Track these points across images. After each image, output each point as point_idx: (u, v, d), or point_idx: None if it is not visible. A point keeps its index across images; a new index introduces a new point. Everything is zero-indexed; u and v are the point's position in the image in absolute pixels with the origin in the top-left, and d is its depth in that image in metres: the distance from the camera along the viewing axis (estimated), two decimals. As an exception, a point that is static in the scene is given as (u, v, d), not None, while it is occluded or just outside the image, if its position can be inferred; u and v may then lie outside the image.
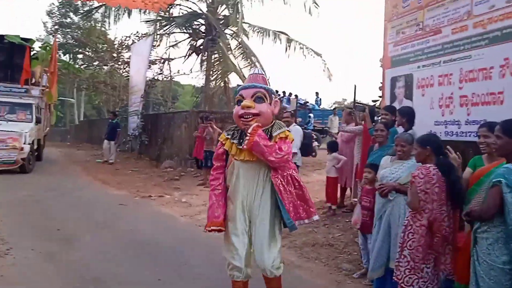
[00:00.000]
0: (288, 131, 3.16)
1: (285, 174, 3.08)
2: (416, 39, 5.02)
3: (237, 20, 15.86)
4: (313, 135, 15.95)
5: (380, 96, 6.59)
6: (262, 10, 18.47)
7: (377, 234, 3.68)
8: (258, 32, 16.79)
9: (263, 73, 3.30)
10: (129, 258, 4.68)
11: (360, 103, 7.52)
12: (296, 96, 19.42)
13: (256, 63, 15.87)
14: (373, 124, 5.46)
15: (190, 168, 11.42)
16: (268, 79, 3.33)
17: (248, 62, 16.24)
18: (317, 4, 15.96)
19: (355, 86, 7.77)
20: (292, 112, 7.12)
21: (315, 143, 15.44)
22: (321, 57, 16.57)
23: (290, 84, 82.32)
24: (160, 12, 15.09)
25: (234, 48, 16.90)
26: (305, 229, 5.96)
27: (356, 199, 4.26)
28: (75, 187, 9.36)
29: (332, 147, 6.98)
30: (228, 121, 11.64)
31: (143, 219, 6.66)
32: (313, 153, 14.78)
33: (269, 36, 16.52)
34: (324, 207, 7.04)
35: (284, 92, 20.45)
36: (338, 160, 6.73)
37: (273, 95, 3.21)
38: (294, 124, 6.74)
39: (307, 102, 19.82)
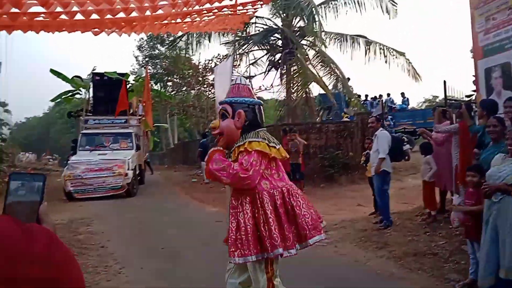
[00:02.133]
0: (258, 142, 2.73)
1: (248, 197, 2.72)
2: (509, 23, 4.60)
3: (314, 30, 15.86)
4: (404, 137, 15.24)
5: (474, 90, 6.11)
6: (337, 16, 18.07)
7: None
8: (335, 38, 16.61)
9: (245, 82, 3.05)
10: (229, 273, 4.85)
11: (453, 99, 7.03)
12: (381, 95, 18.80)
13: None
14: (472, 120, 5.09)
15: (280, 181, 11.52)
16: (250, 86, 3.08)
17: (328, 70, 16.10)
18: (394, 2, 15.38)
19: (444, 82, 7.30)
20: (377, 116, 6.85)
21: (407, 146, 14.72)
22: (404, 56, 15.85)
23: (373, 87, 79.68)
24: (237, 32, 15.66)
25: (312, 58, 16.88)
26: (405, 238, 5.70)
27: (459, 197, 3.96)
28: (175, 207, 9.97)
29: (426, 149, 6.59)
30: (312, 131, 11.61)
31: (238, 234, 6.85)
32: (406, 157, 14.09)
33: (346, 41, 16.24)
34: (423, 214, 6.66)
35: (367, 96, 19.99)
36: (431, 164, 6.35)
37: (239, 106, 2.86)
38: (381, 129, 6.49)
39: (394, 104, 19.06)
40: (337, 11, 16.28)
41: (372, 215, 7.24)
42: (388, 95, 19.65)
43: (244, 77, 3.27)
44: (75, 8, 4.42)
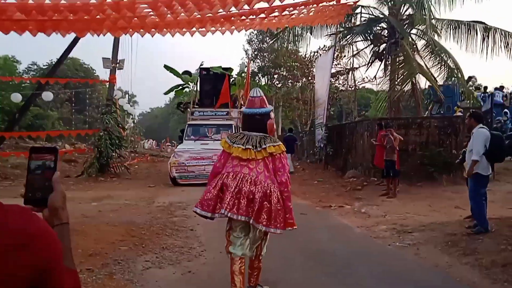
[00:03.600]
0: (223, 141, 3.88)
1: None
2: None
3: (424, 17, 14.82)
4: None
5: None
6: (452, 3, 16.29)
7: None
8: (448, 25, 15.32)
9: (257, 94, 3.83)
10: (302, 266, 4.93)
11: None
12: (502, 87, 16.83)
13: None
14: None
15: (374, 178, 11.16)
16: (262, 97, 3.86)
17: (438, 61, 14.95)
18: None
19: None
20: (472, 112, 6.22)
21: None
22: (531, 43, 13.99)
23: (494, 79, 71.14)
24: (341, 23, 15.33)
25: (422, 48, 15.82)
26: (498, 247, 5.18)
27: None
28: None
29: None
30: (412, 127, 10.96)
31: (320, 228, 6.88)
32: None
33: (461, 28, 14.87)
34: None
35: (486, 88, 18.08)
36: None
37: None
38: (479, 126, 5.89)
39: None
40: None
41: (468, 218, 6.65)
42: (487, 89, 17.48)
43: (259, 89, 3.99)
44: (179, 9, 4.89)
